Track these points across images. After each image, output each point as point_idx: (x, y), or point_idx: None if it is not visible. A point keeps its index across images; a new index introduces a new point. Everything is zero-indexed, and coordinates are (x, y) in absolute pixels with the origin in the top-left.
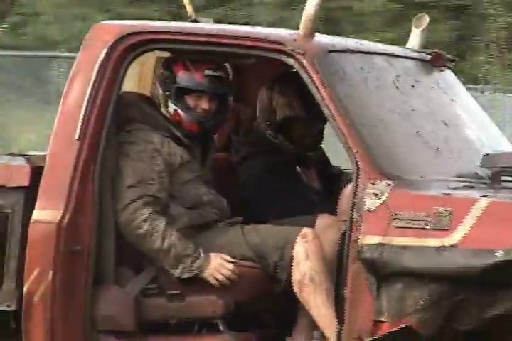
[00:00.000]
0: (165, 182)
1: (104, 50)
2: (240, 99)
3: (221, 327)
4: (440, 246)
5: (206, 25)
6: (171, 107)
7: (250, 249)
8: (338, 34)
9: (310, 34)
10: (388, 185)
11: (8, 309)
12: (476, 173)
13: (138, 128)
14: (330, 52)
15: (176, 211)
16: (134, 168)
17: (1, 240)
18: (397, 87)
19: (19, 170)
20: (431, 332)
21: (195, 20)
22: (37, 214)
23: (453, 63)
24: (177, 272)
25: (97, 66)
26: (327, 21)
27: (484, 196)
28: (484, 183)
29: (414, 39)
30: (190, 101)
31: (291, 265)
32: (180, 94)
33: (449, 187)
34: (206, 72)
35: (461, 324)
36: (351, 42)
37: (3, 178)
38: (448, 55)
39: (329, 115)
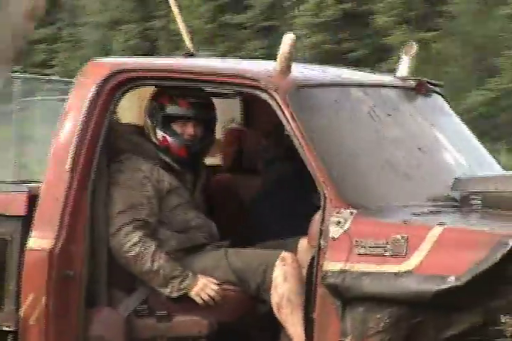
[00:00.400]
0: (154, 207)
1: (94, 87)
2: (247, 124)
3: None
4: (397, 272)
5: (189, 62)
6: (159, 134)
7: (233, 272)
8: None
9: (286, 70)
10: (352, 213)
11: (8, 329)
12: (449, 196)
13: (128, 157)
14: (302, 87)
15: (164, 235)
16: (124, 195)
17: (1, 265)
18: (372, 117)
19: (17, 199)
20: None
21: (191, 55)
22: (31, 242)
23: (440, 87)
24: (166, 291)
25: (87, 102)
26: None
27: (440, 223)
28: (456, 206)
29: (404, 66)
30: (176, 127)
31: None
32: (166, 121)
33: (412, 213)
34: (190, 99)
35: None
36: (330, 75)
37: (2, 207)
38: (432, 81)
39: (298, 146)
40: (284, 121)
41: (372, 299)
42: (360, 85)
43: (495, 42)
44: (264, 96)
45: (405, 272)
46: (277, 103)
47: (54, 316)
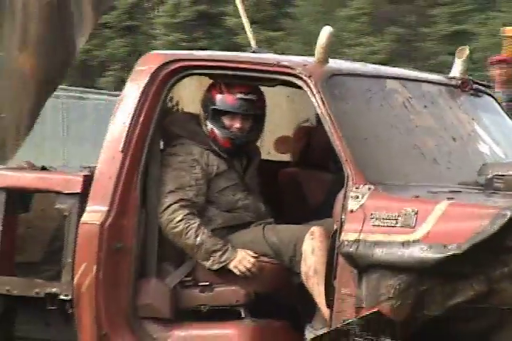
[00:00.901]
0: (202, 188)
1: (149, 75)
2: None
3: (243, 314)
4: (404, 242)
5: (234, 54)
6: (209, 126)
7: (269, 246)
8: None
9: (323, 60)
10: (369, 189)
11: (66, 298)
12: (475, 181)
13: (181, 142)
14: (334, 75)
15: (212, 213)
16: (174, 176)
17: (60, 239)
18: (406, 107)
19: (74, 178)
20: (402, 318)
21: (253, 52)
22: (85, 217)
23: (489, 88)
24: (208, 264)
25: (141, 88)
26: None
27: (449, 198)
28: (480, 189)
29: (457, 67)
30: (225, 121)
31: None
32: (216, 114)
33: (428, 191)
34: (238, 95)
35: (428, 311)
36: (367, 68)
37: (61, 186)
38: (481, 82)
39: (327, 129)
40: (316, 107)
41: (383, 267)
42: (398, 78)
43: (335, 41)
44: (299, 83)
45: (412, 241)
46: (310, 89)
47: (104, 285)
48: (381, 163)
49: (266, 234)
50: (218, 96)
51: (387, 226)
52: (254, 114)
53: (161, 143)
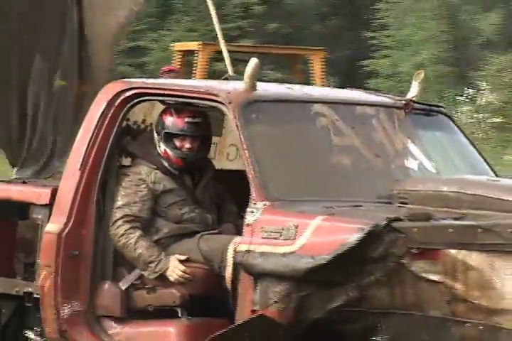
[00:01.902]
0: (147, 204)
1: (106, 101)
2: None
3: (179, 314)
4: (283, 253)
5: (175, 81)
6: (162, 147)
7: (201, 254)
8: None
9: (251, 87)
10: (264, 205)
11: (38, 296)
12: (386, 195)
13: (135, 162)
14: (254, 102)
15: (159, 224)
16: (122, 194)
17: (34, 245)
18: (329, 129)
19: (44, 191)
20: (287, 320)
21: (225, 78)
22: (47, 227)
23: (440, 108)
24: (146, 274)
25: (99, 114)
26: None
27: (329, 214)
28: (388, 203)
29: (413, 89)
30: (177, 142)
31: None
32: (168, 137)
33: (324, 206)
34: (186, 119)
35: (310, 314)
36: (293, 92)
37: (34, 198)
38: (434, 104)
39: (241, 149)
40: (235, 130)
41: (270, 275)
42: (328, 102)
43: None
44: (223, 108)
45: (289, 253)
46: (230, 114)
47: (62, 288)
48: (286, 180)
49: (200, 243)
50: (169, 121)
51: (274, 238)
52: (201, 134)
53: (123, 160)
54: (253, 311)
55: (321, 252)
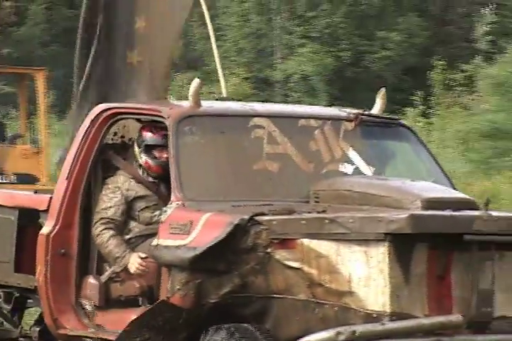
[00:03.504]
0: (121, 208)
1: (90, 119)
2: None
3: (140, 302)
4: (177, 246)
5: (140, 104)
6: (143, 158)
7: None
8: None
9: (195, 104)
10: (177, 204)
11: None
12: (307, 195)
13: (116, 173)
14: (189, 116)
15: (131, 225)
16: (101, 200)
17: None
18: (263, 139)
19: (44, 199)
20: (189, 305)
21: (217, 99)
22: (42, 229)
23: (398, 121)
24: (115, 268)
25: (82, 132)
26: None
27: (219, 211)
28: (306, 202)
29: (377, 105)
30: (156, 153)
31: None
32: (148, 149)
33: (232, 206)
34: (163, 132)
35: (208, 299)
36: (233, 107)
37: (38, 204)
38: (393, 117)
39: (169, 158)
40: (168, 140)
41: (175, 265)
42: (267, 116)
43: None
44: (165, 122)
45: (182, 245)
46: (168, 127)
47: (51, 282)
48: (204, 184)
49: None
50: (148, 136)
51: (176, 233)
52: None
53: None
54: (168, 298)
55: (203, 244)
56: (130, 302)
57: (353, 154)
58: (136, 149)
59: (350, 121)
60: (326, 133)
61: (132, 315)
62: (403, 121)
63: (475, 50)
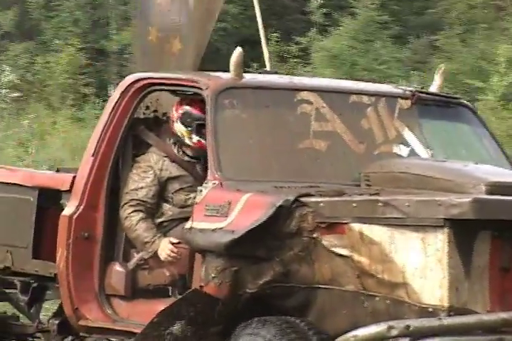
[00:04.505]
0: (153, 189)
1: (120, 90)
2: None
3: (170, 292)
4: (214, 229)
5: (173, 75)
6: (195, 138)
7: None
8: None
9: (236, 76)
10: (213, 184)
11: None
12: (358, 178)
13: (148, 151)
14: (229, 88)
15: (164, 208)
16: (131, 180)
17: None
18: (311, 115)
19: (67, 178)
20: (224, 295)
21: (260, 73)
22: (64, 211)
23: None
24: (143, 253)
25: (112, 104)
26: None
27: (259, 191)
28: (357, 185)
29: (436, 82)
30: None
31: None
32: (200, 128)
33: (273, 186)
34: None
35: (245, 289)
36: (278, 82)
37: (60, 184)
38: (453, 95)
39: (207, 134)
40: (206, 113)
41: (209, 251)
42: (315, 90)
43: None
44: (203, 94)
45: (219, 229)
46: (206, 99)
47: (73, 268)
48: (245, 162)
49: None
50: (199, 114)
51: (212, 215)
52: None
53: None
54: (201, 287)
55: (242, 227)
56: (159, 292)
57: (408, 135)
58: (183, 128)
59: (406, 98)
60: (379, 112)
61: (161, 306)
62: (464, 101)
63: (310, 22)
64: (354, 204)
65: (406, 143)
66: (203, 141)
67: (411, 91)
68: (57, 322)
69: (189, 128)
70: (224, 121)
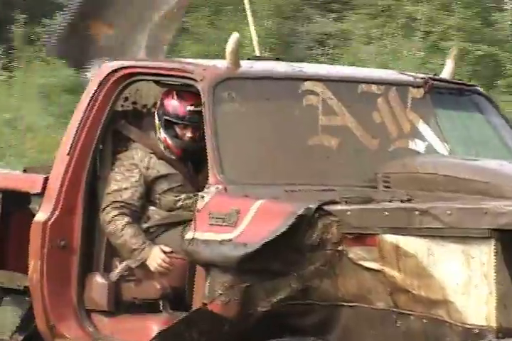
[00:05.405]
0: (138, 190)
1: (97, 83)
2: None
3: (161, 307)
4: (221, 240)
5: (156, 62)
6: (162, 134)
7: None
8: None
9: (233, 65)
10: (217, 189)
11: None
12: (373, 178)
13: (130, 147)
14: (227, 79)
15: (150, 212)
16: (113, 179)
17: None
18: (317, 108)
19: (37, 179)
20: (232, 314)
21: (248, 59)
22: (36, 216)
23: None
24: (129, 262)
25: (89, 96)
26: None
27: (273, 197)
28: (372, 187)
29: (447, 68)
30: (178, 130)
31: None
32: (169, 124)
33: (284, 190)
34: (188, 107)
35: (257, 307)
36: (279, 71)
37: (29, 186)
38: (467, 82)
39: (205, 131)
40: (203, 108)
41: (216, 265)
42: (323, 80)
43: None
44: (197, 86)
45: (227, 240)
46: (202, 91)
47: (48, 280)
48: (250, 163)
49: (184, 232)
50: (171, 108)
51: (218, 225)
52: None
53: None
54: (204, 305)
55: (256, 239)
56: (147, 307)
57: (424, 128)
58: (156, 121)
59: (419, 87)
60: (390, 102)
61: (151, 322)
62: (480, 88)
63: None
64: (386, 213)
65: (422, 137)
66: (168, 140)
67: (423, 78)
68: (21, 337)
69: (159, 122)
70: (223, 117)
